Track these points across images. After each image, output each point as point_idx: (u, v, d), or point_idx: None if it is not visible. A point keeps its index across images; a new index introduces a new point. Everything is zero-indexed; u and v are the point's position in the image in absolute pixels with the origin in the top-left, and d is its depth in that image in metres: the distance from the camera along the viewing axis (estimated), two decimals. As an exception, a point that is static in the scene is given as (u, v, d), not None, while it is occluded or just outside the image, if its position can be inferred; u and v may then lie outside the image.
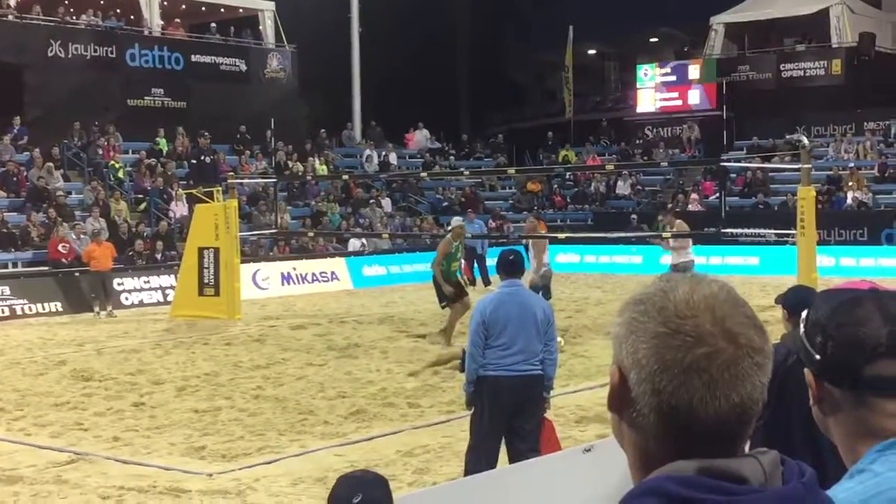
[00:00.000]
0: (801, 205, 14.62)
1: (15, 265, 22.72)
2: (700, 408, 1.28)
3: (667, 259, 18.44)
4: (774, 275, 21.93)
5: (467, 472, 7.25)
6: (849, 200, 29.11)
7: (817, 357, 1.62)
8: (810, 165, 15.40)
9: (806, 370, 1.65)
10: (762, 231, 23.02)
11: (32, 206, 24.00)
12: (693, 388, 1.27)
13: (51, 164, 25.88)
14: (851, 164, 30.66)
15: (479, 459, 7.28)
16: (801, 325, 1.71)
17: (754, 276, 22.93)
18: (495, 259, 8.03)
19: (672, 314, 1.31)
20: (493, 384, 7.31)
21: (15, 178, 25.16)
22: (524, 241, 18.67)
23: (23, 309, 19.85)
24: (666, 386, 1.28)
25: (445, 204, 32.72)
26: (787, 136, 31.87)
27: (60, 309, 20.18)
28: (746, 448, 1.35)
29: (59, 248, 22.46)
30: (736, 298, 1.34)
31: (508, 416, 7.33)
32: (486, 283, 23.19)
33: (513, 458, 7.26)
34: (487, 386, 7.35)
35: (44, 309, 20.02)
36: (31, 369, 13.87)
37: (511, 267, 7.71)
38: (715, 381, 1.28)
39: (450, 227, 16.92)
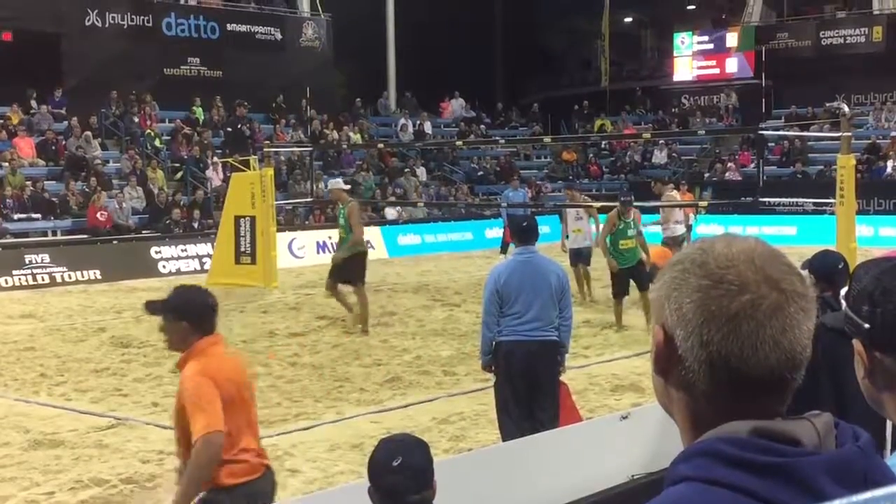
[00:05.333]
0: (841, 174, 14.44)
1: (54, 233, 22.97)
2: (750, 355, 1.28)
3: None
4: (812, 245, 21.62)
5: (504, 438, 7.28)
6: (889, 169, 28.76)
7: (867, 326, 1.60)
8: (850, 134, 15.19)
9: (855, 342, 1.63)
10: (800, 200, 22.81)
11: (71, 175, 24.21)
12: (741, 335, 1.28)
13: (88, 132, 26.06)
14: (892, 133, 30.27)
15: (509, 423, 7.31)
16: (844, 299, 1.70)
17: (792, 246, 22.69)
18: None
19: (713, 267, 1.31)
20: (508, 350, 7.31)
21: (53, 147, 25.38)
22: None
23: (62, 276, 20.08)
24: (714, 336, 1.28)
25: (480, 173, 32.67)
26: (827, 105, 31.49)
27: (99, 277, 20.39)
28: None
29: (98, 215, 22.69)
30: (773, 249, 1.35)
31: (527, 381, 7.32)
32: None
33: (533, 428, 7.21)
34: (502, 352, 7.34)
35: (83, 276, 20.23)
36: (72, 336, 14.04)
37: (525, 233, 7.58)
38: (762, 326, 1.28)
39: (328, 190, 16.31)
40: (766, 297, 1.29)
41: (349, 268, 13.95)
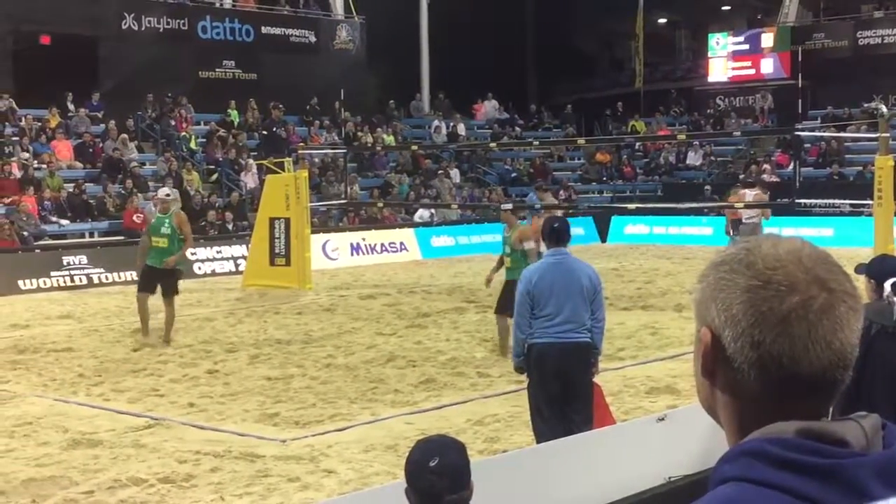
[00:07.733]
0: (879, 175, 14.32)
1: (92, 235, 23.19)
2: (802, 356, 1.27)
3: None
4: (849, 246, 21.53)
5: (538, 440, 7.26)
6: (927, 171, 28.43)
7: None
8: (888, 134, 15.05)
9: None
10: (837, 202, 22.65)
11: (108, 177, 24.44)
12: (793, 336, 1.27)
13: (125, 135, 26.31)
14: (930, 134, 29.94)
15: (543, 426, 7.29)
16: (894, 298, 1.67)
17: (829, 248, 22.25)
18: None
19: (761, 267, 1.31)
20: (541, 352, 7.27)
21: (91, 150, 25.64)
22: None
23: (100, 278, 20.27)
24: (765, 337, 1.28)
25: (514, 175, 32.64)
26: (864, 105, 31.18)
27: (136, 278, 20.49)
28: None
29: (134, 218, 22.88)
30: (819, 250, 1.36)
31: (560, 383, 7.28)
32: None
33: (567, 430, 7.12)
34: (535, 354, 7.31)
35: (120, 278, 20.40)
36: (109, 337, 14.18)
37: (557, 235, 7.53)
38: (814, 327, 1.28)
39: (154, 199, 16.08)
40: (817, 297, 1.29)
41: (166, 279, 13.69)
